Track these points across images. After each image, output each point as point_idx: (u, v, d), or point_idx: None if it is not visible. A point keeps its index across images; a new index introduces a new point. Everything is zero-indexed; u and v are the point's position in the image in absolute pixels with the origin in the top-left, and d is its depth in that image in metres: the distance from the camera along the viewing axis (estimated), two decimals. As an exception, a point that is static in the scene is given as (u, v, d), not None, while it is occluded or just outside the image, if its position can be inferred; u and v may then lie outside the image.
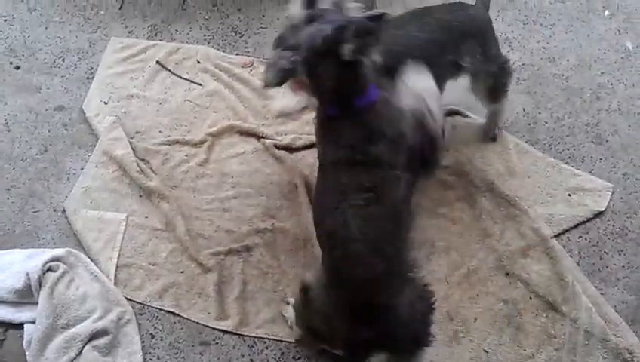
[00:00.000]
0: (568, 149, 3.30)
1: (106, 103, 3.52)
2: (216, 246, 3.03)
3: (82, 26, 3.85)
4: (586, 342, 2.75)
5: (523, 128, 3.38)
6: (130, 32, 3.82)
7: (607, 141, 3.31)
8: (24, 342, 2.74)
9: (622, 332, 2.76)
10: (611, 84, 3.49)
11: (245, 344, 2.81)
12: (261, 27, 3.82)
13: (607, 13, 3.79)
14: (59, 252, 2.89)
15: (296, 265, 2.97)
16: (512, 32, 3.73)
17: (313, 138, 3.27)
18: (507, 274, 2.92)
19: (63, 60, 3.71)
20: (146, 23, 3.86)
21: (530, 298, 2.86)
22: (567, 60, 3.61)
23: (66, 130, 3.44)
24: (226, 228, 3.08)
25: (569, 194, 3.14)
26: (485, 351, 2.74)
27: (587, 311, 2.80)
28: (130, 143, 3.31)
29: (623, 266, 2.95)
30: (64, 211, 3.14)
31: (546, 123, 3.39)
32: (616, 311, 2.81)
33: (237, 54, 3.71)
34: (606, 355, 2.72)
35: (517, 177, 3.22)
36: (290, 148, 3.33)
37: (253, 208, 3.13)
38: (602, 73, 3.55)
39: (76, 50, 3.76)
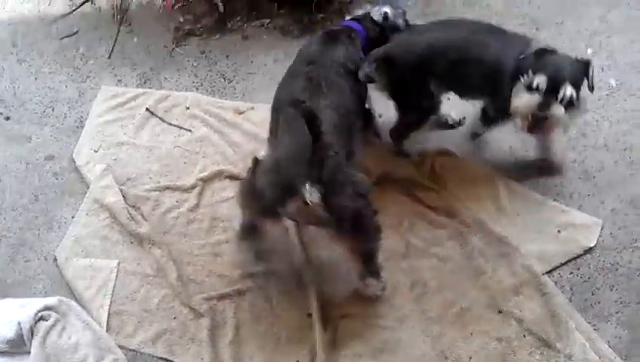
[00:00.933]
0: (556, 186, 3.32)
1: (96, 151, 3.54)
2: (208, 291, 3.02)
3: (72, 75, 3.89)
4: (581, 379, 2.74)
5: (511, 167, 3.41)
6: (119, 81, 3.86)
7: (594, 177, 3.34)
8: (17, 394, 2.72)
9: (616, 368, 2.76)
10: (597, 121, 3.53)
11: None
12: (249, 73, 3.87)
13: (589, 51, 3.85)
14: (50, 301, 2.87)
15: (289, 307, 2.96)
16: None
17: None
18: (500, 311, 2.91)
19: (53, 110, 3.74)
20: (135, 72, 3.90)
21: (524, 335, 2.84)
22: (553, 99, 3.65)
23: (56, 179, 3.45)
24: (218, 272, 3.08)
25: (559, 231, 3.15)
26: (481, 390, 2.74)
27: (581, 347, 2.79)
28: (121, 190, 3.32)
29: (615, 301, 2.94)
30: (55, 260, 3.14)
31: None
32: (610, 347, 2.80)
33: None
34: (601, 391, 2.72)
35: (507, 215, 3.24)
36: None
37: (244, 252, 3.13)
38: (587, 110, 3.59)
39: (66, 99, 3.79)
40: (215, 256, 3.14)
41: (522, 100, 2.88)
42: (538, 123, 2.92)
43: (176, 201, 3.32)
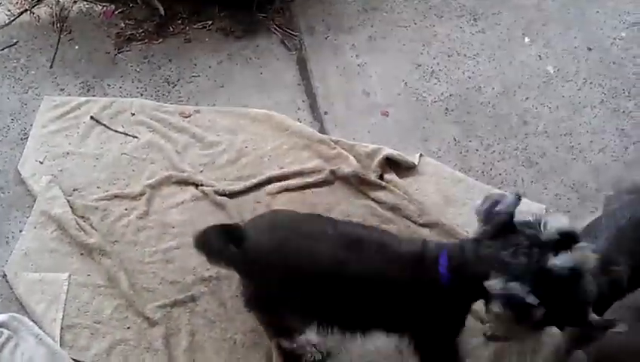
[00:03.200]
0: (500, 174, 3.40)
1: (41, 163, 3.49)
2: (161, 298, 3.02)
3: (13, 87, 3.83)
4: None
5: (455, 157, 3.47)
6: (62, 90, 3.81)
7: (536, 164, 3.42)
8: (-30, 414, 2.69)
9: None
10: (536, 108, 3.61)
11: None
12: (193, 76, 3.86)
13: (527, 40, 3.93)
14: (1, 317, 2.85)
15: (243, 310, 2.96)
16: (438, 64, 3.83)
17: (252, 181, 3.34)
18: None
19: (-4, 123, 3.69)
20: (77, 80, 3.85)
21: (479, 323, 2.89)
22: (493, 88, 3.73)
23: (2, 193, 3.41)
24: (171, 279, 3.08)
25: (504, 218, 3.21)
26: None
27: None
28: (68, 201, 3.29)
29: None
30: (4, 276, 3.09)
31: (477, 150, 3.49)
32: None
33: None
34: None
35: (454, 206, 3.30)
36: (229, 194, 3.35)
37: (196, 257, 3.10)
38: (527, 98, 3.67)
39: (8, 111, 3.73)
40: (167, 263, 3.13)
41: None
42: None
43: (125, 209, 3.31)
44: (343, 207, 3.29)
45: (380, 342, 2.80)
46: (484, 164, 3.44)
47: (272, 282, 2.46)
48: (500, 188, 3.31)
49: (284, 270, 2.39)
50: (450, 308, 2.29)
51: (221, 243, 2.49)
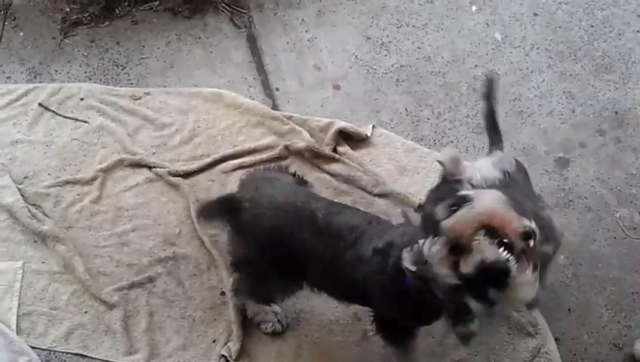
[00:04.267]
0: (452, 141, 3.43)
1: (-10, 152, 3.44)
2: (118, 281, 3.01)
3: (-42, 77, 3.76)
4: (490, 321, 2.81)
5: (408, 127, 3.49)
6: (8, 78, 3.75)
7: (487, 130, 3.45)
8: None
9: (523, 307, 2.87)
10: (485, 75, 3.63)
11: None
12: (142, 58, 3.82)
13: (474, 8, 3.94)
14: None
15: (201, 288, 2.98)
16: (387, 36, 3.84)
17: (205, 161, 3.33)
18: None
19: (-59, 113, 3.62)
20: (23, 67, 3.79)
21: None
22: (442, 57, 3.75)
23: (-50, 184, 3.35)
24: (127, 262, 3.06)
25: (458, 184, 3.25)
26: (396, 346, 2.82)
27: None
28: (19, 189, 3.24)
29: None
30: (-43, 265, 3.05)
31: (429, 119, 3.52)
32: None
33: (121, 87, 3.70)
34: (510, 331, 2.84)
35: (407, 174, 3.33)
36: (184, 174, 3.34)
37: (152, 238, 3.13)
38: (476, 66, 3.69)
39: (-46, 101, 3.66)
40: (122, 246, 3.12)
41: None
42: None
43: (78, 195, 3.27)
44: (298, 181, 3.29)
45: (340, 311, 2.84)
46: (435, 132, 3.47)
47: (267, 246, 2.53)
48: (452, 155, 3.35)
49: (278, 237, 2.48)
50: (416, 308, 2.27)
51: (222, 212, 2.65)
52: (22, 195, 3.22)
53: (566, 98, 3.58)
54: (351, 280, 2.35)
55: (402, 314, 2.36)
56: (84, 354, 2.84)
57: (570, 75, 3.67)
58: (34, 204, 3.22)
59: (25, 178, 3.33)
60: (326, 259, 2.38)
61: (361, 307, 2.86)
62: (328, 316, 2.87)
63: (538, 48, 3.77)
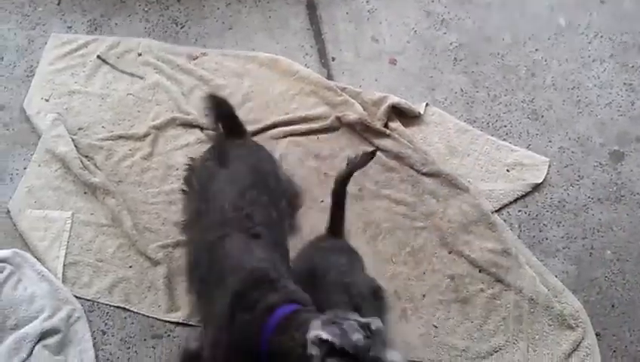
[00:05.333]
0: (506, 126, 3.38)
1: (47, 101, 3.49)
2: (164, 239, 3.04)
3: (20, 23, 3.80)
4: (532, 310, 2.84)
5: (461, 107, 3.46)
6: (69, 28, 3.78)
7: (542, 116, 3.40)
8: (-26, 346, 2.74)
9: (566, 299, 2.87)
10: (545, 61, 3.58)
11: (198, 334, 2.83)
12: (202, 17, 3.81)
13: (539, -9, 3.87)
14: (4, 253, 2.88)
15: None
16: (449, 12, 3.78)
17: (257, 126, 3.34)
18: (451, 251, 2.99)
19: (2, 59, 3.67)
20: (85, 18, 3.82)
21: (477, 272, 2.94)
22: (503, 39, 3.69)
23: (7, 129, 3.41)
24: (173, 220, 3.08)
25: (508, 170, 3.23)
26: (434, 326, 2.82)
27: (531, 280, 2.89)
28: (73, 140, 3.29)
29: (562, 237, 3.04)
30: (8, 212, 3.11)
31: (484, 101, 3.47)
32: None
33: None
34: (551, 322, 2.82)
35: (457, 156, 3.30)
36: (234, 138, 3.35)
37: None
38: (537, 50, 3.63)
39: (15, 47, 3.71)
40: (170, 204, 3.15)
41: None
42: None
43: (130, 150, 3.31)
44: (347, 153, 3.26)
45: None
46: (489, 115, 3.43)
47: None
48: (504, 139, 3.32)
49: None
50: None
51: None
52: (75, 146, 3.26)
53: (626, 90, 3.51)
54: None
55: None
56: (127, 307, 2.88)
57: (633, 66, 3.59)
58: (86, 156, 3.27)
59: (79, 129, 3.38)
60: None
61: (402, 285, 2.88)
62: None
63: (602, 37, 3.69)
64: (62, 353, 2.72)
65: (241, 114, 3.33)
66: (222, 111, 2.70)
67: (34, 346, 2.69)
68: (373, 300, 2.38)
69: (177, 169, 3.25)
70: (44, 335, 2.72)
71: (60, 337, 2.73)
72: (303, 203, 2.85)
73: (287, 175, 2.73)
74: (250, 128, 3.31)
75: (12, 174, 3.25)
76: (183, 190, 2.74)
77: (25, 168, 3.25)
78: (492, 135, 3.34)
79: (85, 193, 3.17)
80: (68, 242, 3.02)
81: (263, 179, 2.45)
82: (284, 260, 2.32)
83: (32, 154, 3.29)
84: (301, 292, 2.09)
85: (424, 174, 3.21)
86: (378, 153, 3.25)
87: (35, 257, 2.96)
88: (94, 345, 2.79)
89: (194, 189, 2.60)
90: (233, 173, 2.44)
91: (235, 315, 2.02)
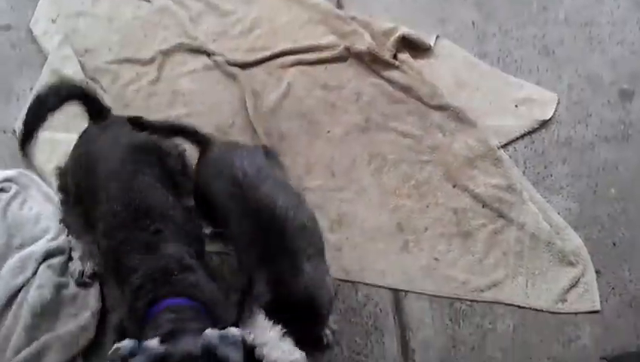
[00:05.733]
0: (516, 61, 3.35)
1: (54, 21, 3.45)
2: (170, 165, 3.04)
3: (27, -59, 3.73)
4: (533, 246, 2.85)
5: (472, 41, 3.42)
6: (76, -52, 3.71)
7: (553, 52, 3.36)
8: (-22, 263, 2.77)
9: (567, 236, 2.87)
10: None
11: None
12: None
13: None
14: (10, 173, 2.89)
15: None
16: (462, -56, 3.71)
17: (264, 54, 3.31)
18: (455, 185, 2.99)
19: (9, -22, 3.62)
20: (92, -62, 3.74)
21: (480, 206, 2.94)
22: (516, -29, 3.63)
23: (13, 50, 3.39)
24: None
25: (516, 106, 3.20)
26: (436, 258, 2.83)
27: (534, 216, 2.90)
28: (80, 62, 3.27)
29: (567, 174, 3.04)
30: (14, 132, 3.11)
31: (495, 35, 3.43)
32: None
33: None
34: (552, 258, 2.83)
35: (466, 90, 3.27)
36: (241, 65, 3.32)
37: (205, 126, 3.08)
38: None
39: (21, -33, 3.65)
40: (176, 130, 3.15)
41: None
42: None
43: (136, 74, 3.29)
44: (355, 84, 3.27)
45: (383, 220, 2.85)
46: (500, 50, 3.39)
47: None
48: (514, 75, 3.29)
49: None
50: None
51: None
52: (82, 68, 3.25)
53: (639, 29, 3.46)
54: None
55: None
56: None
57: (648, 4, 3.53)
58: (92, 78, 3.25)
59: (86, 51, 3.35)
60: None
61: (405, 217, 2.90)
62: (371, 222, 2.89)
63: (617, -28, 3.62)
64: (65, 274, 2.75)
65: (249, 41, 3.34)
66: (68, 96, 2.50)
67: (38, 265, 2.71)
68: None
69: (184, 95, 3.24)
70: (48, 255, 2.73)
71: (64, 258, 2.75)
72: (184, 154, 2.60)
73: (158, 140, 2.45)
74: (257, 56, 3.33)
75: (19, 94, 3.24)
76: (62, 199, 2.56)
77: (31, 89, 3.23)
78: (502, 70, 3.30)
79: (92, 116, 3.16)
80: (70, 166, 3.02)
81: (142, 158, 2.30)
82: (194, 244, 2.23)
83: (38, 75, 3.27)
84: (201, 286, 2.07)
85: (432, 107, 3.19)
86: (386, 84, 3.25)
87: (41, 178, 2.97)
88: (98, 266, 2.81)
89: (73, 191, 2.43)
90: (109, 162, 2.27)
91: (130, 305, 2.05)
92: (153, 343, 1.76)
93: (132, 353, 1.74)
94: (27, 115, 2.50)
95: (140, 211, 2.16)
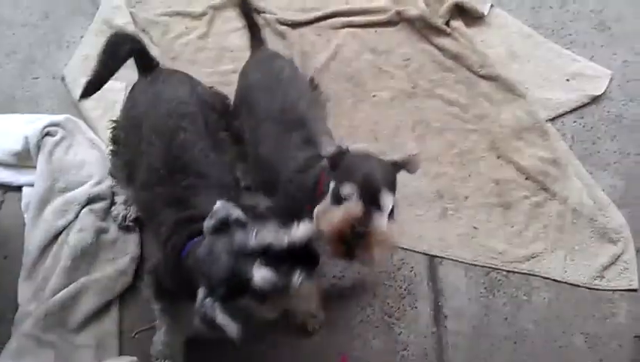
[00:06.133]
0: (571, 35, 3.28)
1: (106, -28, 3.47)
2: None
3: None
4: (574, 221, 2.80)
5: (527, 12, 3.36)
6: None
7: (610, 28, 3.28)
8: (22, 205, 2.83)
9: (610, 214, 2.81)
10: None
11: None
12: None
13: None
14: (58, 118, 2.93)
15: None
16: None
17: (315, 14, 3.29)
18: (500, 156, 2.95)
19: None
20: None
21: (523, 179, 2.90)
22: (578, -57, 3.54)
23: (66, -2, 3.43)
24: (226, 102, 3.10)
25: (568, 80, 3.14)
26: (474, 227, 2.80)
27: (578, 191, 2.84)
28: (131, 13, 3.29)
29: (615, 151, 2.97)
30: (63, 79, 3.15)
31: (551, 7, 3.37)
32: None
33: None
34: (593, 234, 2.78)
35: (517, 61, 3.22)
36: (292, 24, 3.31)
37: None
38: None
39: None
40: (223, 85, 3.10)
41: (332, 215, 2.08)
42: (354, 242, 2.07)
43: (186, 28, 3.30)
44: (404, 49, 3.23)
45: (423, 186, 2.83)
46: (555, 22, 3.32)
47: None
48: (568, 48, 3.22)
49: None
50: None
51: None
52: (132, 19, 3.27)
53: None
54: None
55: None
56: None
57: None
58: (143, 30, 3.27)
59: (137, 2, 3.38)
60: None
61: (445, 185, 2.87)
62: (411, 188, 2.86)
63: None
64: (106, 219, 2.79)
65: (301, 0, 3.32)
66: (131, 49, 2.48)
67: (80, 209, 2.76)
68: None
69: (232, 51, 3.25)
70: (91, 200, 2.78)
71: (106, 204, 2.80)
72: (231, 105, 2.64)
73: (206, 88, 2.55)
74: (308, 16, 3.31)
75: (69, 41, 3.28)
76: (112, 150, 2.56)
77: (81, 37, 3.27)
78: (556, 42, 3.24)
79: (139, 67, 3.18)
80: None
81: (184, 113, 2.31)
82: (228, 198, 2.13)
83: (89, 24, 3.31)
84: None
85: (481, 76, 3.15)
86: (436, 51, 3.21)
87: (87, 125, 3.01)
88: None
89: (122, 143, 2.47)
90: (152, 117, 2.30)
91: (163, 255, 2.12)
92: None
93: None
94: (96, 68, 2.47)
95: (177, 167, 2.18)
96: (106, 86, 3.05)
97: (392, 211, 2.10)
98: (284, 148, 2.34)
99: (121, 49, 2.44)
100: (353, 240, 2.02)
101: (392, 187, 2.11)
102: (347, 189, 2.05)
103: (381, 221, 2.05)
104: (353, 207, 2.03)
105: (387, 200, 2.06)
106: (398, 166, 2.16)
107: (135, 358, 2.44)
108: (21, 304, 2.61)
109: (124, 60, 2.47)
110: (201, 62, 3.22)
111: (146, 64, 2.52)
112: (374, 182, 2.07)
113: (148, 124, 2.28)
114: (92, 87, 2.47)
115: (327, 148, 2.12)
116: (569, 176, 2.88)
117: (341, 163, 2.12)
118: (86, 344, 2.54)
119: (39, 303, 2.58)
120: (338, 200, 2.07)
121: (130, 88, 2.54)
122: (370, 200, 2.03)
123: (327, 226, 2.05)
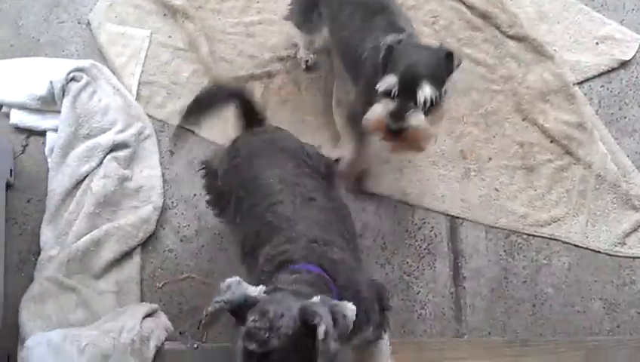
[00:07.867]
0: (605, -2, 3.23)
1: None
2: (239, 70, 3.05)
3: None
4: (597, 187, 2.81)
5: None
6: None
7: (641, -9, 3.24)
8: (46, 149, 2.85)
9: (634, 180, 2.81)
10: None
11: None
12: None
13: None
14: (83, 63, 2.92)
15: (317, 93, 2.99)
16: None
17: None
18: (525, 118, 2.93)
19: None
20: None
21: (548, 142, 2.89)
22: None
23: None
24: (249, 53, 3.08)
25: (597, 43, 3.11)
26: (496, 189, 2.81)
27: (602, 157, 2.84)
28: (156, -40, 3.25)
29: (642, 118, 2.96)
30: (88, 24, 3.13)
31: (584, -32, 3.31)
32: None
33: None
34: (615, 200, 2.78)
35: (547, 22, 3.18)
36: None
37: (276, 35, 3.11)
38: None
39: None
40: (247, 37, 3.13)
41: (372, 111, 2.19)
42: (395, 136, 2.18)
43: (212, -25, 3.27)
44: (432, 6, 3.19)
45: (447, 146, 2.82)
46: (587, -18, 3.27)
47: None
48: (599, 11, 3.18)
49: None
50: None
51: None
52: (157, -34, 3.24)
53: None
54: None
55: None
56: (196, 132, 2.87)
57: None
58: (167, -23, 3.24)
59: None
60: None
61: (469, 146, 2.86)
62: (434, 147, 2.84)
63: None
64: (129, 167, 2.81)
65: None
66: (240, 100, 2.42)
67: (104, 156, 2.77)
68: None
69: (258, 2, 3.21)
70: (114, 147, 2.80)
71: (129, 152, 2.81)
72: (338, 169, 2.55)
73: (313, 148, 2.39)
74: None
75: (95, -14, 3.25)
76: (208, 200, 2.49)
77: (107, -19, 3.24)
78: (586, 4, 3.19)
79: (165, 15, 3.16)
80: (144, 61, 3.04)
81: (296, 156, 2.24)
82: (339, 225, 2.14)
83: (116, -31, 3.27)
84: (336, 265, 1.91)
85: (509, 37, 3.11)
86: (464, 9, 3.16)
87: (112, 71, 3.00)
88: (161, 163, 2.86)
89: (221, 189, 2.36)
90: (265, 157, 2.21)
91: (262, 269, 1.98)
92: (253, 289, 1.67)
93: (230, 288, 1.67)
94: (188, 109, 2.48)
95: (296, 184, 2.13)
96: (131, 32, 3.09)
97: (434, 103, 2.13)
98: (367, 32, 2.36)
99: (219, 100, 2.45)
100: (391, 136, 2.13)
101: (436, 79, 2.12)
102: (387, 82, 2.12)
103: (415, 118, 2.12)
104: (387, 103, 2.11)
105: (425, 93, 2.10)
106: (451, 56, 2.17)
107: (156, 306, 2.47)
108: (43, 248, 2.65)
109: (216, 108, 2.49)
110: (226, 12, 3.19)
111: (253, 117, 2.42)
112: (415, 73, 2.10)
113: (259, 161, 2.20)
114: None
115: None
116: (594, 140, 2.87)
117: (394, 52, 2.15)
118: (108, 290, 2.58)
119: (62, 248, 2.62)
120: (383, 93, 2.14)
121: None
122: (408, 94, 2.09)
123: (367, 123, 2.19)
